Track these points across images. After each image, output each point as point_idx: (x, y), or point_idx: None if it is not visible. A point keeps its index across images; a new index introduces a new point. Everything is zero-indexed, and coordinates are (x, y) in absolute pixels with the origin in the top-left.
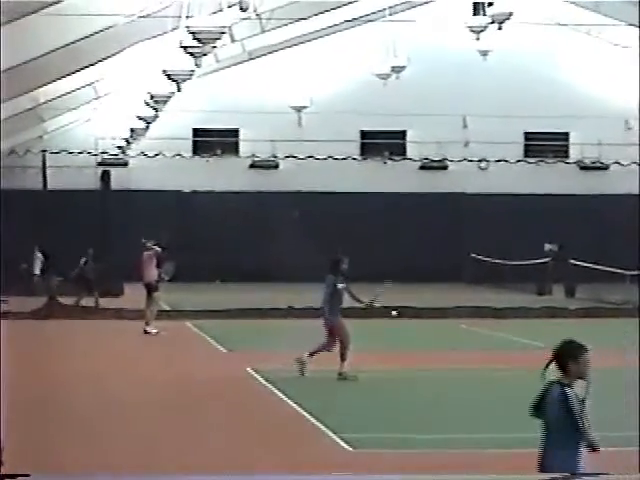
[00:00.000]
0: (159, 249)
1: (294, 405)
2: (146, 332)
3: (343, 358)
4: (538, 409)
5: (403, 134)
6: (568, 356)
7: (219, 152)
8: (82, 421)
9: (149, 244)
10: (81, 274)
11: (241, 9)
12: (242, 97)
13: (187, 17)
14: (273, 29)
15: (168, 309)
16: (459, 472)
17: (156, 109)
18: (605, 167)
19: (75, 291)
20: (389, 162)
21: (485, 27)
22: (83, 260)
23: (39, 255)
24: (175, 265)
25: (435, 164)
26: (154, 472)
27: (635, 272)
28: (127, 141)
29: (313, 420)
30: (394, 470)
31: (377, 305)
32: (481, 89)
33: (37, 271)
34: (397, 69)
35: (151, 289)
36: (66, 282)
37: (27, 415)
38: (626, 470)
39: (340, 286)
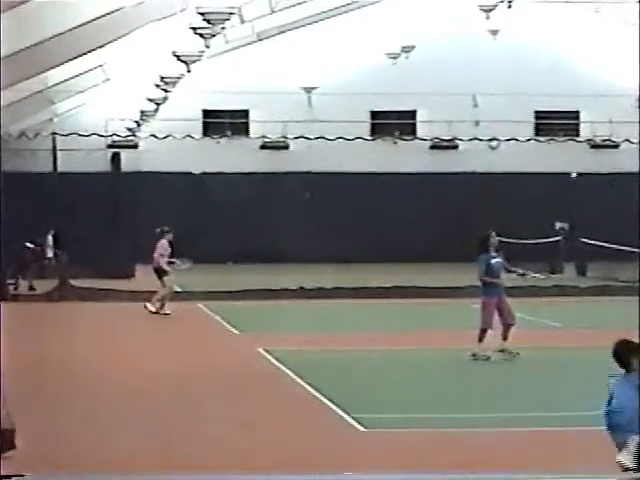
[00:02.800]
0: (170, 235)
1: (306, 385)
2: (151, 311)
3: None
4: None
5: (413, 114)
6: (629, 353)
7: (229, 133)
8: (92, 404)
9: (164, 230)
10: (20, 258)
11: None
12: (252, 78)
13: None
14: (282, 10)
15: (180, 290)
16: (472, 451)
17: (166, 90)
18: (616, 145)
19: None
20: (399, 142)
21: (495, 6)
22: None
23: (50, 239)
24: (192, 262)
25: (445, 143)
26: (165, 460)
27: None
28: (137, 123)
29: (325, 400)
30: (406, 450)
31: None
32: (491, 68)
33: (50, 254)
34: (407, 49)
35: (160, 274)
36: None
37: (35, 404)
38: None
39: (493, 261)
